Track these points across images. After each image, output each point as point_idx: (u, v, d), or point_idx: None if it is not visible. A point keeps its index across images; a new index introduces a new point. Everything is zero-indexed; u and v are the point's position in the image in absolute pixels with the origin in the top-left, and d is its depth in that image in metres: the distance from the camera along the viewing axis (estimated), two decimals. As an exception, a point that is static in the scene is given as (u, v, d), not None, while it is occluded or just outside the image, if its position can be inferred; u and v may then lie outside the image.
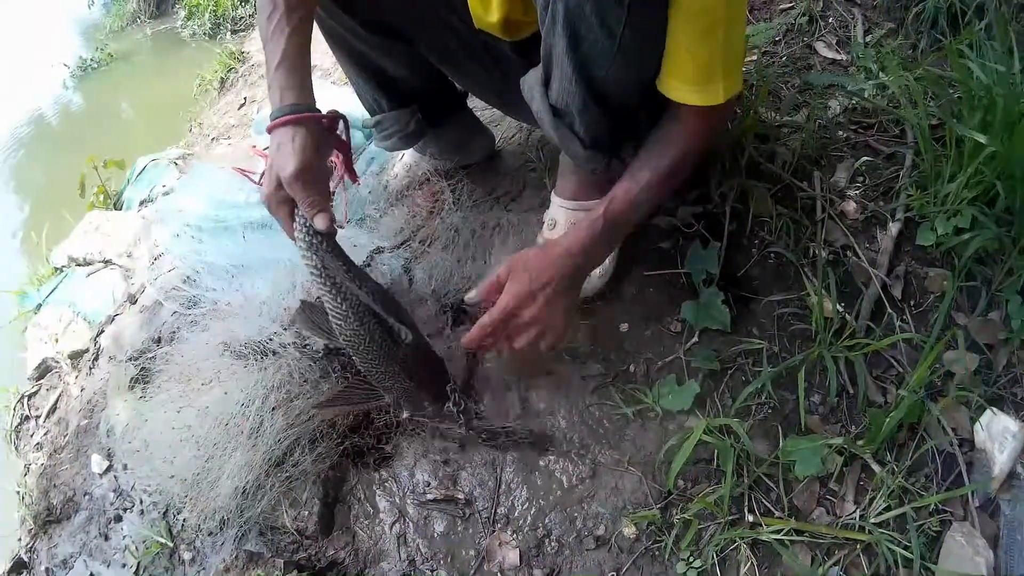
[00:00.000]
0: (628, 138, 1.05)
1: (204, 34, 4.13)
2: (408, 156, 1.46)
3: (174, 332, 1.44)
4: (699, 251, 1.19)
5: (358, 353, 1.04)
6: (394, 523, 1.13)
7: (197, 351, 1.28)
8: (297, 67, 0.99)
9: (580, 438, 1.11)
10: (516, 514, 1.09)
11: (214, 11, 4.09)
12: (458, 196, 1.38)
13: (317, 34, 1.10)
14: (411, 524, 1.12)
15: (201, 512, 1.18)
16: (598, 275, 1.18)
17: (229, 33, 3.91)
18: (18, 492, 1.60)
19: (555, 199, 1.21)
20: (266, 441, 1.13)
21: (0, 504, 1.63)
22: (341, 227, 1.05)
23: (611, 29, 0.86)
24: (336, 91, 1.90)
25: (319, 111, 1.01)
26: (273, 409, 1.15)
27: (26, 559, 1.49)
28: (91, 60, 4.55)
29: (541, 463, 1.11)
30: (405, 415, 1.12)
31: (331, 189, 1.05)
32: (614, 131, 1.03)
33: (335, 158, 1.10)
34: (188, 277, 1.40)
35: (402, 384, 1.06)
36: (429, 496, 1.12)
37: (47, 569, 1.43)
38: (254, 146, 1.72)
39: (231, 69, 2.45)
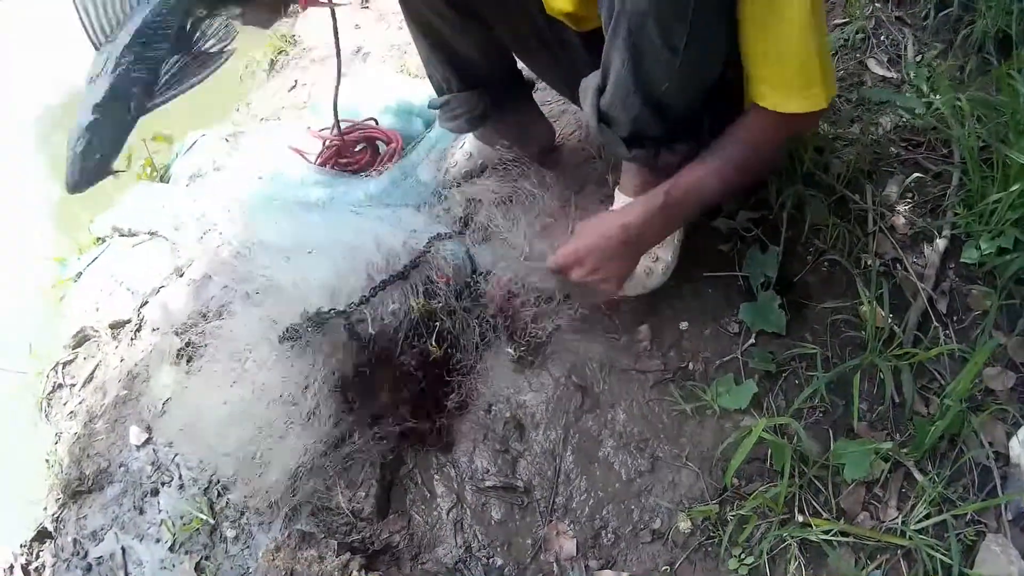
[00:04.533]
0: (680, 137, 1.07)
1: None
2: (468, 144, 1.47)
3: (223, 307, 1.43)
4: (757, 255, 1.22)
5: None
6: (451, 508, 1.14)
7: (250, 327, 1.27)
8: None
9: (640, 432, 1.13)
10: (574, 504, 1.10)
11: (261, -7, 4.00)
12: (519, 187, 1.39)
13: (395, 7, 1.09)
14: (468, 510, 1.13)
15: (253, 490, 1.17)
16: (661, 272, 1.20)
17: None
18: (47, 460, 1.56)
19: (619, 195, 1.23)
20: (324, 422, 1.14)
21: (22, 470, 1.60)
22: None
23: (674, 45, 0.87)
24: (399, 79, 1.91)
25: None
26: (331, 390, 1.16)
27: (51, 529, 1.45)
28: (133, 34, 4.43)
29: (600, 454, 1.13)
30: None
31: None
32: (665, 134, 1.05)
33: None
34: (239, 252, 1.40)
35: None
36: (488, 483, 1.13)
37: (75, 540, 1.40)
38: (309, 127, 1.71)
39: (281, 51, 2.43)
